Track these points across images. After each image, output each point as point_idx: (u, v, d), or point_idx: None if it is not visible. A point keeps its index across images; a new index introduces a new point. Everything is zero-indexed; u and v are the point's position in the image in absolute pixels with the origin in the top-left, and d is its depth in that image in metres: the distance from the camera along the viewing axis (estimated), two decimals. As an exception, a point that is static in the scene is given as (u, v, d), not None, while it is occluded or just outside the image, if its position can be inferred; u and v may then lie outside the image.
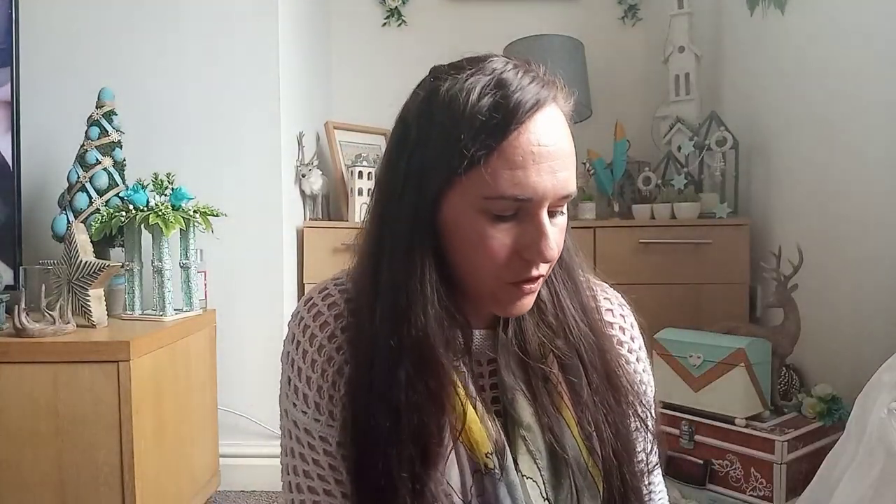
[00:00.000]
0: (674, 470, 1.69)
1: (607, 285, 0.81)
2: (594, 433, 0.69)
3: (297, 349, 0.70)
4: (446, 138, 0.61)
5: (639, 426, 0.73)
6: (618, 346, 0.76)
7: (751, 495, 1.57)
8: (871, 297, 1.66)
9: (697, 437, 1.67)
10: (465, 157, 0.59)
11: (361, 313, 0.67)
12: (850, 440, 1.20)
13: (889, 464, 1.04)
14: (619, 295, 0.81)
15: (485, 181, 0.60)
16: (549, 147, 0.61)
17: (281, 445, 0.72)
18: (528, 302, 0.67)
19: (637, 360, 0.77)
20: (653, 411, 0.76)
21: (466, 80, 0.62)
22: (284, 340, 0.72)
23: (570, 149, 0.63)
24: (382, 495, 0.63)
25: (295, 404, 0.69)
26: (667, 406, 1.74)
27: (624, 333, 0.77)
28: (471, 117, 0.60)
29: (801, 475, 1.53)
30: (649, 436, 0.75)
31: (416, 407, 0.62)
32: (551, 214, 0.63)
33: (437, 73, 0.66)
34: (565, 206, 0.66)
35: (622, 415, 0.71)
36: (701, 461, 1.65)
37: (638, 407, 0.73)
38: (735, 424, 1.61)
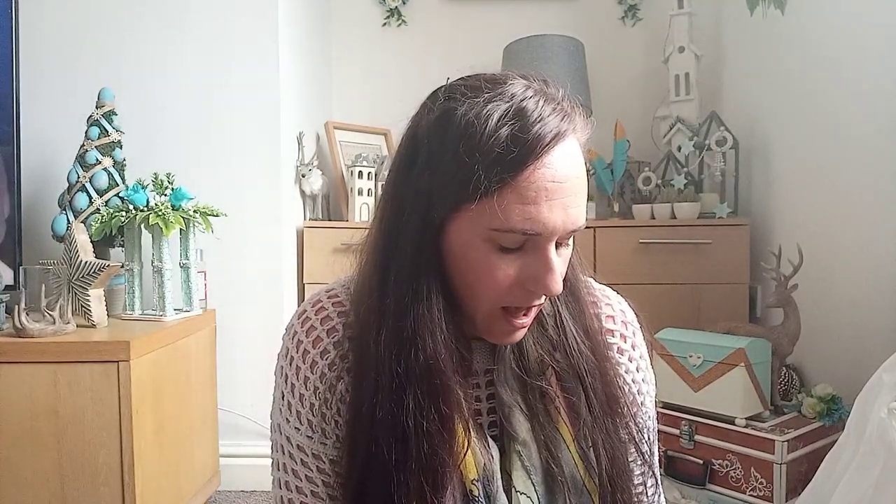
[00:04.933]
0: (674, 470, 1.69)
1: (612, 291, 0.79)
2: (591, 450, 0.68)
3: (290, 365, 0.69)
4: (459, 166, 0.59)
5: (636, 455, 0.72)
6: (617, 355, 0.74)
7: (751, 495, 1.57)
8: (871, 297, 1.66)
9: (697, 437, 1.67)
10: (478, 189, 0.58)
11: (364, 336, 0.65)
12: (850, 440, 1.20)
13: (889, 464, 1.04)
14: (622, 300, 0.79)
15: (495, 213, 0.58)
16: (564, 184, 0.59)
17: (272, 458, 0.71)
18: (519, 335, 0.67)
19: (637, 369, 0.76)
20: (649, 435, 0.75)
21: (484, 105, 0.59)
22: (278, 354, 0.71)
23: (583, 183, 0.62)
24: None
25: (288, 420, 0.69)
26: (667, 406, 1.74)
27: (625, 341, 0.76)
28: (487, 148, 0.58)
29: (801, 475, 1.53)
30: (646, 467, 0.74)
31: (427, 434, 0.61)
32: (557, 245, 0.63)
33: (451, 92, 0.63)
34: (572, 238, 0.65)
35: (619, 438, 0.70)
36: (701, 461, 1.65)
37: (634, 432, 0.71)
38: (735, 424, 1.61)
